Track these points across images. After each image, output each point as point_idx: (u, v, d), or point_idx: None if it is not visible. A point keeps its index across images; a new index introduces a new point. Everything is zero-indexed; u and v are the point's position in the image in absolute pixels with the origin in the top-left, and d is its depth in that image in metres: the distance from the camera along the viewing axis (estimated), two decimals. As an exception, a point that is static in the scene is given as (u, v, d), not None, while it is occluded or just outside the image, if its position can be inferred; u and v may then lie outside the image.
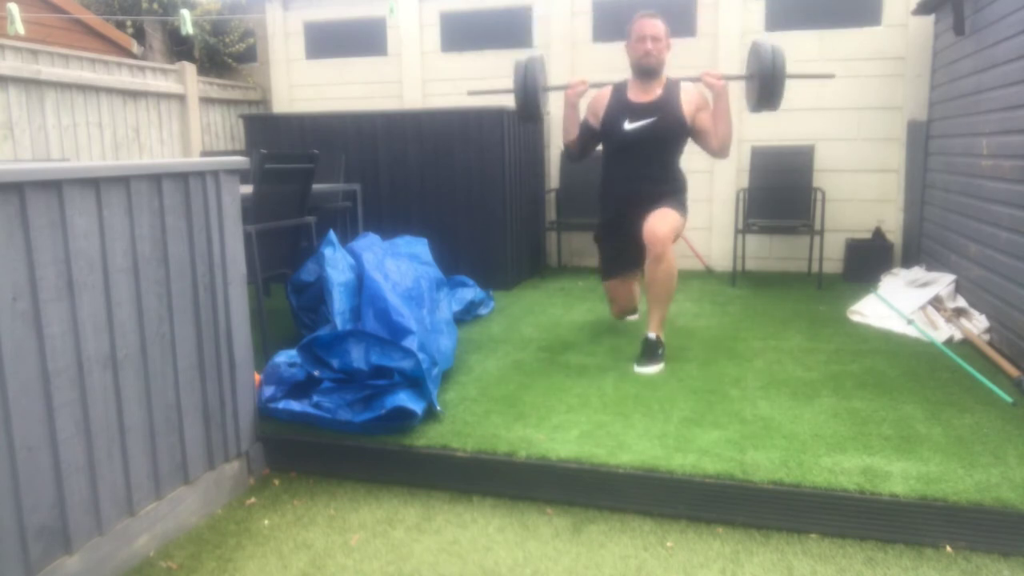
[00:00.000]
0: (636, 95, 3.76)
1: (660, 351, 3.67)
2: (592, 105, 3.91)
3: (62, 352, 2.04)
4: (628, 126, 3.71)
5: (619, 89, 3.83)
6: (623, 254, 3.97)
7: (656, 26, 3.69)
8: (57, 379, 2.02)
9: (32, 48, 5.21)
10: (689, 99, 3.72)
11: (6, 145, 4.97)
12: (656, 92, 3.73)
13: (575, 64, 6.43)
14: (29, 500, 1.96)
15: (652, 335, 3.68)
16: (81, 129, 5.58)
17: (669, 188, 3.78)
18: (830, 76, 4.02)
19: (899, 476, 2.43)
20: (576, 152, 3.96)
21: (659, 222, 3.59)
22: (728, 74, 3.76)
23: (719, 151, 3.75)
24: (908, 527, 2.31)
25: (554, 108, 6.54)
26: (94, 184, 2.12)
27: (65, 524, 2.07)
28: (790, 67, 3.53)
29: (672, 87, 3.75)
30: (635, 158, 3.76)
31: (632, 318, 4.37)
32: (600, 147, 3.96)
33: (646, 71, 3.72)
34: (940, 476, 2.43)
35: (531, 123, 4.14)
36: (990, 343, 3.85)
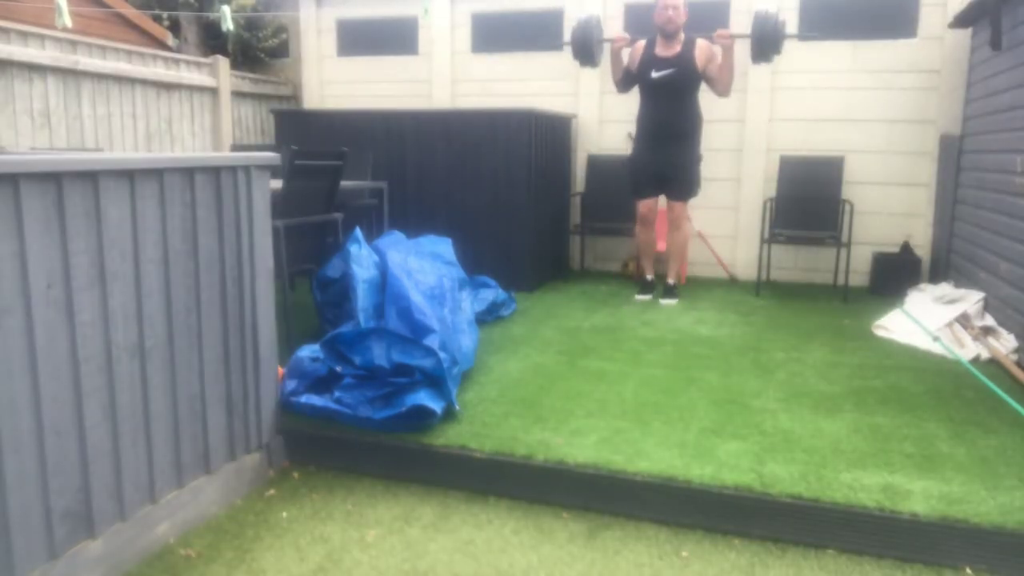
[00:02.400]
0: (661, 50, 5.00)
1: (676, 291, 5.33)
2: (632, 54, 5.16)
3: (92, 339, 2.08)
4: (655, 74, 4.97)
5: (649, 44, 5.07)
6: (650, 185, 5.17)
7: None
8: (86, 366, 2.06)
9: (71, 39, 5.31)
10: (701, 53, 4.94)
11: (42, 133, 5.07)
12: (676, 48, 4.96)
13: (605, 66, 6.39)
14: (56, 483, 2.00)
15: (671, 282, 5.35)
16: (115, 119, 5.67)
17: (688, 125, 5.05)
18: (815, 38, 5.35)
19: (920, 495, 2.41)
20: (622, 86, 5.26)
21: (677, 205, 5.18)
22: (735, 33, 4.89)
23: (723, 92, 5.04)
24: (928, 547, 2.29)
25: (583, 114, 6.56)
26: (128, 176, 2.16)
27: (89, 508, 2.11)
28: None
29: (689, 43, 4.95)
30: (661, 98, 5.04)
31: (647, 297, 5.35)
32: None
33: (668, 33, 4.94)
34: (962, 497, 2.40)
35: (590, 66, 5.29)
36: (1018, 363, 3.79)
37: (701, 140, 5.16)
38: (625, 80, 5.19)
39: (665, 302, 5.18)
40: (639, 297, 5.34)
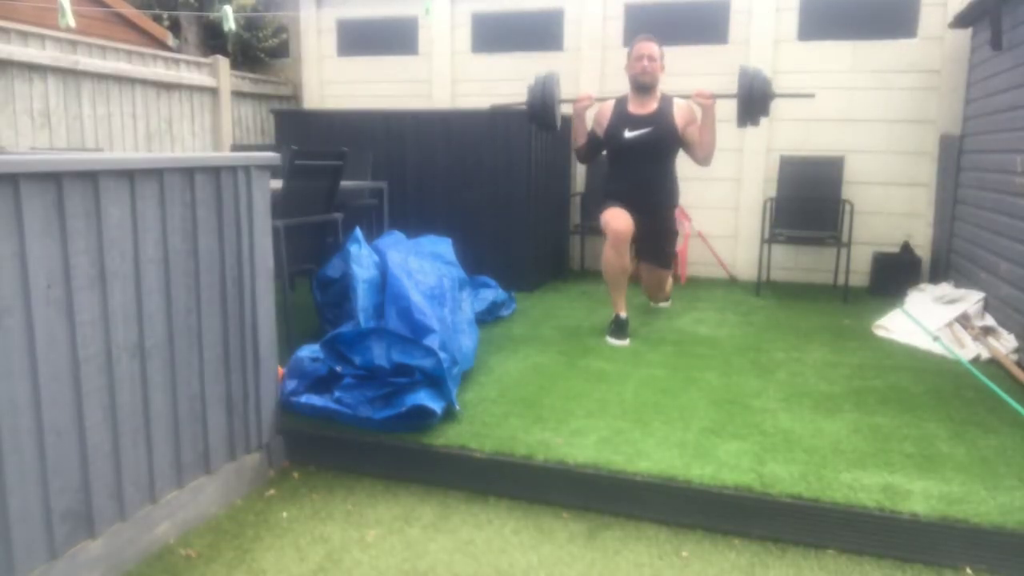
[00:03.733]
0: (635, 108, 4.30)
1: (668, 301, 5.02)
2: (597, 117, 4.44)
3: (92, 339, 2.08)
4: (628, 134, 4.25)
5: (620, 103, 4.36)
6: (624, 206, 4.32)
7: (652, 48, 4.22)
8: (86, 366, 2.06)
9: (71, 39, 5.31)
10: (680, 113, 4.25)
11: (43, 133, 5.07)
12: (652, 106, 4.27)
13: (605, 68, 6.42)
14: (56, 483, 2.00)
15: (663, 304, 5.03)
16: (115, 119, 5.67)
17: (665, 192, 4.39)
18: (811, 96, 4.52)
19: (920, 495, 2.41)
20: (584, 156, 4.56)
21: (656, 287, 4.79)
22: (717, 93, 4.15)
23: (703, 160, 4.31)
24: (928, 547, 2.29)
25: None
26: (128, 176, 2.16)
27: (89, 508, 2.11)
28: (785, 85, 4.06)
29: (666, 102, 4.28)
30: (635, 162, 4.33)
31: (623, 343, 4.23)
32: (604, 152, 4.50)
33: (642, 86, 4.25)
34: (962, 497, 2.40)
35: (548, 131, 4.62)
36: (1018, 363, 3.79)
37: (678, 202, 4.55)
38: (590, 146, 4.44)
39: (660, 304, 5.03)
40: (613, 341, 4.23)
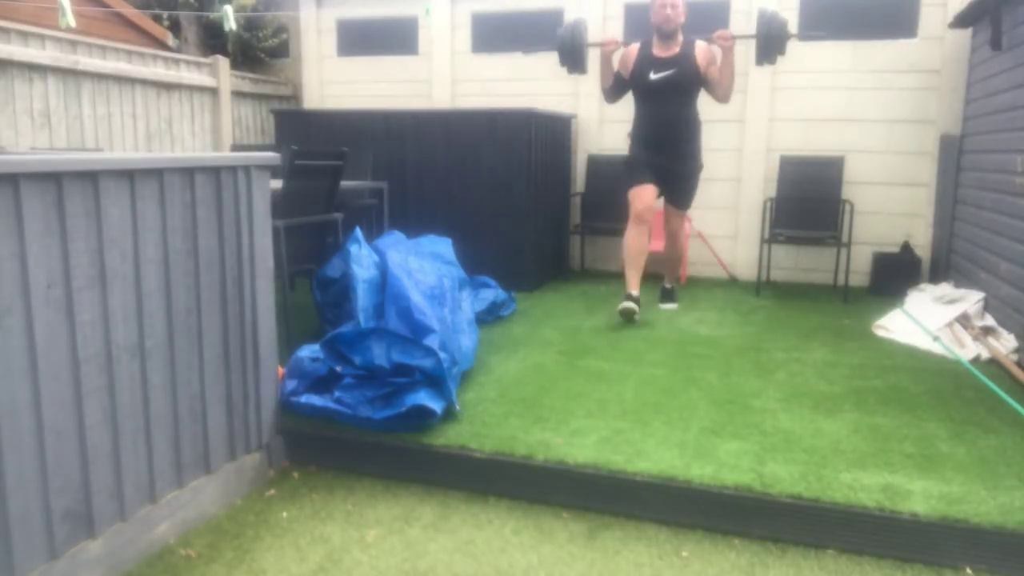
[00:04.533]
0: (659, 51, 4.58)
1: (675, 294, 5.14)
2: (623, 59, 4.73)
3: (92, 340, 2.08)
4: (653, 76, 4.56)
5: (645, 46, 4.65)
6: (647, 172, 4.70)
7: None
8: (87, 366, 2.06)
9: (71, 39, 5.31)
10: (702, 55, 4.55)
11: (43, 133, 5.07)
12: (675, 49, 4.55)
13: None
14: (56, 483, 2.00)
15: (668, 285, 5.15)
16: (115, 119, 5.67)
17: (689, 130, 4.67)
18: (824, 37, 5.02)
19: (920, 495, 2.41)
20: (611, 95, 4.84)
21: (675, 218, 4.87)
22: (737, 34, 4.51)
23: (723, 97, 4.60)
24: (928, 547, 2.29)
25: (581, 114, 6.56)
26: (129, 176, 2.16)
27: (89, 509, 2.11)
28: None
29: (688, 44, 4.57)
30: (660, 102, 4.62)
31: (630, 305, 4.59)
32: (630, 93, 4.78)
33: (666, 33, 4.53)
34: (962, 497, 2.40)
35: (578, 73, 4.86)
36: (1018, 363, 3.79)
37: (702, 147, 4.83)
38: (616, 87, 4.75)
39: (665, 306, 5.03)
40: (625, 304, 4.54)
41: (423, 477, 2.82)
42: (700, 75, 4.53)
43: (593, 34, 5.33)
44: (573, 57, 4.61)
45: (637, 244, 4.64)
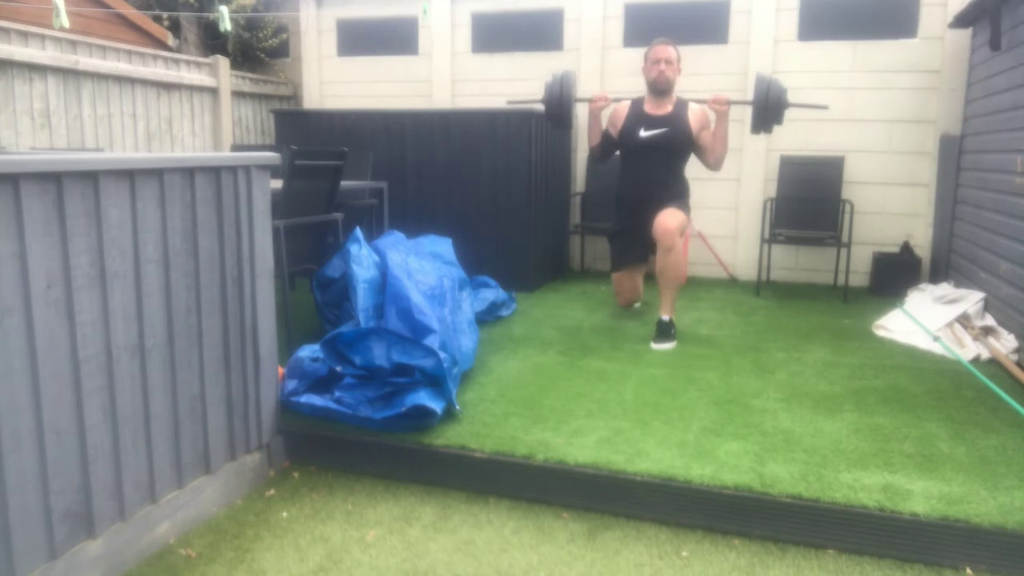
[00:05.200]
0: (651, 108, 4.38)
1: (672, 331, 4.23)
2: (612, 117, 4.51)
3: (92, 340, 2.07)
4: (643, 134, 4.34)
5: (636, 103, 4.45)
6: (632, 249, 4.60)
7: (669, 51, 4.28)
8: (87, 366, 2.06)
9: (71, 39, 5.31)
10: (695, 117, 4.34)
11: (43, 133, 5.07)
12: (668, 108, 4.36)
13: (604, 68, 6.42)
14: (56, 483, 2.00)
15: (665, 317, 4.25)
16: (115, 119, 5.67)
17: (676, 191, 4.43)
18: (824, 107, 4.49)
19: (920, 495, 2.41)
20: (599, 155, 4.63)
21: (668, 219, 4.22)
22: (733, 100, 4.27)
23: (714, 165, 4.41)
24: (928, 548, 2.29)
25: (581, 113, 6.57)
26: (129, 176, 2.16)
27: (89, 509, 2.11)
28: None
29: (681, 105, 4.36)
30: (648, 162, 4.40)
31: (635, 305, 4.86)
32: (618, 153, 4.58)
33: (659, 90, 4.33)
34: (962, 497, 2.40)
35: (563, 130, 4.70)
36: (1018, 363, 3.79)
37: (688, 204, 4.53)
38: (604, 146, 4.52)
39: (657, 346, 4.09)
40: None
41: (423, 477, 2.82)
42: (692, 138, 4.32)
43: (590, 91, 5.22)
44: (560, 113, 4.37)
45: (626, 301, 4.81)
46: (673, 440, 2.83)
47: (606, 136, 4.49)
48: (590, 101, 4.40)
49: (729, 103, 4.20)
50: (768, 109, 4.06)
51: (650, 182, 4.39)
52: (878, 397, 3.34)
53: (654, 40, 4.37)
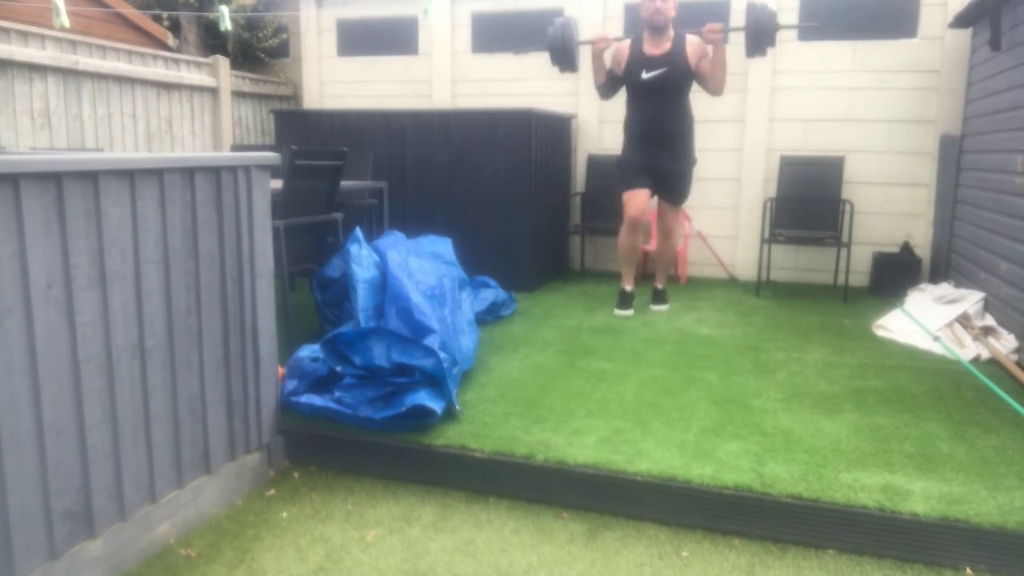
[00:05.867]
0: (650, 48, 4.58)
1: (666, 295, 5.07)
2: (616, 56, 4.74)
3: (92, 340, 2.07)
4: (645, 75, 4.57)
5: (636, 42, 4.66)
6: (642, 176, 4.74)
7: None
8: (87, 366, 2.06)
9: (71, 39, 5.31)
10: (693, 50, 4.55)
11: (43, 133, 5.07)
12: (666, 46, 4.55)
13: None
14: (56, 483, 2.00)
15: (659, 286, 5.09)
16: (115, 119, 5.67)
17: (682, 126, 4.70)
18: (813, 24, 4.93)
19: (920, 495, 2.41)
20: (606, 92, 4.86)
21: (670, 213, 4.84)
22: (726, 27, 4.49)
23: (715, 90, 4.64)
24: (928, 548, 2.29)
25: (580, 114, 6.56)
26: (129, 176, 2.16)
27: (89, 509, 2.11)
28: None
29: (679, 40, 4.56)
30: (652, 100, 4.65)
31: (627, 313, 4.88)
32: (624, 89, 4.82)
33: (656, 27, 4.53)
34: (962, 497, 2.40)
35: (568, 71, 4.82)
36: (1018, 363, 3.79)
37: (695, 142, 4.86)
38: (609, 84, 4.79)
39: (656, 307, 4.98)
40: (619, 312, 4.88)
41: (423, 477, 2.82)
42: (692, 71, 4.56)
43: (592, 32, 5.35)
44: (564, 56, 4.61)
45: (630, 243, 4.84)
46: (673, 440, 2.83)
47: (611, 75, 4.72)
48: (592, 43, 4.65)
49: (723, 30, 4.44)
50: (760, 31, 4.32)
51: (657, 119, 4.65)
52: (878, 397, 3.34)
53: None
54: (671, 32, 4.55)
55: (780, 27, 4.36)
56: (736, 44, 4.91)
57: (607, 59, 4.72)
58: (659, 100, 4.63)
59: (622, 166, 4.89)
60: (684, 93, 4.68)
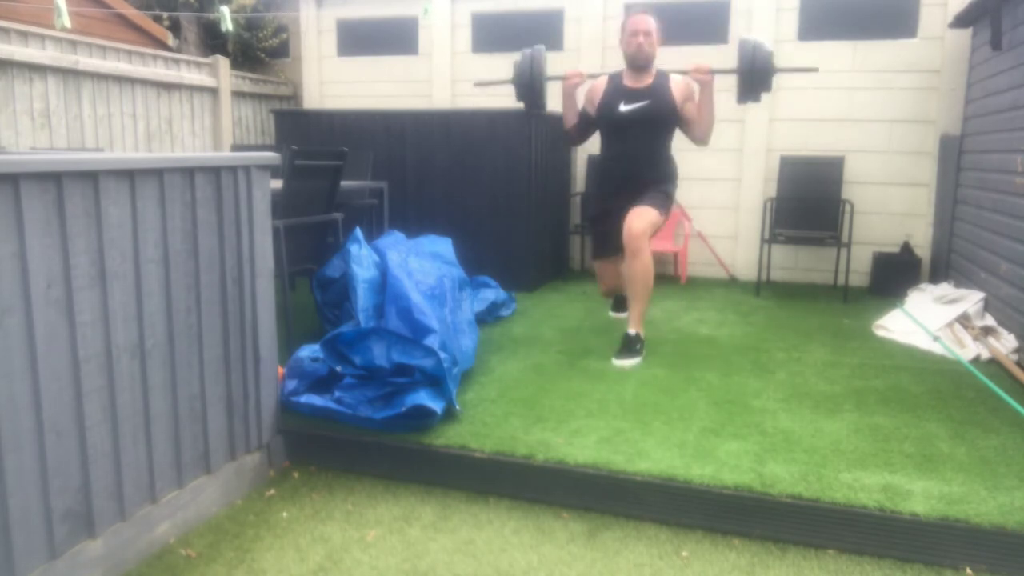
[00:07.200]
0: (631, 82, 3.99)
1: (638, 346, 3.87)
2: (589, 94, 4.12)
3: (92, 340, 2.07)
4: (624, 107, 3.93)
5: (615, 77, 4.06)
6: (610, 238, 4.06)
7: (647, 22, 3.92)
8: (86, 366, 2.06)
9: (71, 39, 5.31)
10: (678, 89, 3.95)
11: (43, 133, 5.07)
12: (648, 80, 3.97)
13: (605, 67, 6.39)
14: (56, 483, 2.00)
15: (632, 331, 3.90)
16: (115, 119, 5.67)
17: (660, 171, 4.01)
18: (813, 71, 4.20)
19: (920, 495, 2.41)
20: (575, 136, 4.24)
21: (636, 220, 3.79)
22: (715, 68, 3.86)
23: (701, 139, 3.99)
24: (928, 548, 2.29)
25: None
26: (129, 176, 2.16)
27: (89, 509, 2.11)
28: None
29: (662, 77, 3.98)
30: (630, 138, 3.98)
31: (623, 315, 4.30)
32: (597, 132, 4.18)
33: (638, 65, 3.95)
34: (962, 497, 2.40)
35: (536, 111, 4.28)
36: (1018, 363, 3.79)
37: (675, 187, 4.11)
38: (580, 127, 4.13)
39: (619, 362, 3.79)
40: (613, 314, 4.53)
41: (423, 477, 2.82)
42: (675, 110, 3.91)
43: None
44: (531, 94, 3.99)
45: (605, 291, 4.43)
46: (673, 440, 2.83)
47: (583, 115, 4.10)
48: (563, 79, 3.99)
49: (712, 72, 3.81)
50: (754, 76, 3.70)
51: (633, 159, 3.98)
52: (878, 397, 3.34)
53: (630, 10, 4.06)
54: (654, 69, 3.97)
55: (778, 70, 3.76)
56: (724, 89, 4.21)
57: (580, 98, 4.09)
58: (636, 139, 3.94)
59: (590, 224, 4.41)
60: (665, 134, 3.99)
